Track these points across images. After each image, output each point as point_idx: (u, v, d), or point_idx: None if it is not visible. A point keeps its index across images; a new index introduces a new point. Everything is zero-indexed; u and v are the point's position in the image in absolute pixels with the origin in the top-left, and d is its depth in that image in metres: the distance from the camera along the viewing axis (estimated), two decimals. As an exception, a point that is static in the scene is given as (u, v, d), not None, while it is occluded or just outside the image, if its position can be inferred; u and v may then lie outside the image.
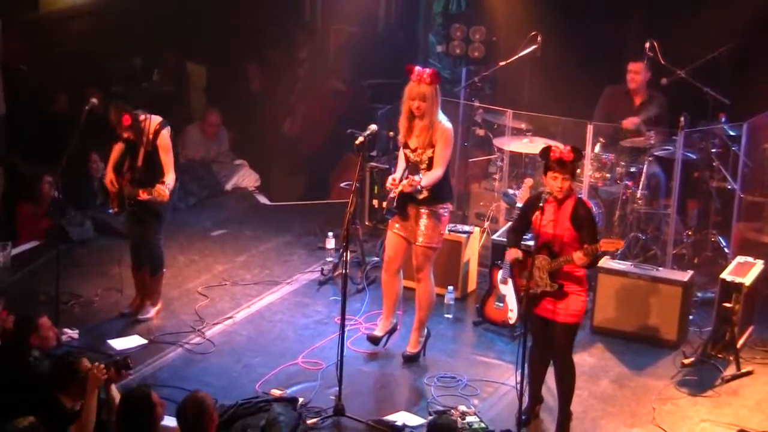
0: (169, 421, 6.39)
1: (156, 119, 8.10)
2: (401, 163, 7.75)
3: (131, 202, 8.10)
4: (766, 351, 8.28)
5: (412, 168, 7.61)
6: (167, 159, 8.05)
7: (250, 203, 11.66)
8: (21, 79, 11.14)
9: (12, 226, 9.80)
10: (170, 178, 8.01)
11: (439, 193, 7.59)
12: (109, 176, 8.21)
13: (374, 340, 7.95)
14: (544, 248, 6.70)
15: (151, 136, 8.04)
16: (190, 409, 5.65)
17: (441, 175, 7.51)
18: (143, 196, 7.93)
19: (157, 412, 5.72)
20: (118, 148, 8.22)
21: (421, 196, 7.53)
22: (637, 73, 9.68)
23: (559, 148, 6.67)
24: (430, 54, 12.87)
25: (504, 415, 7.18)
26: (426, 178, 7.47)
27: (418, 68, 7.49)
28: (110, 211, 8.47)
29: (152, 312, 8.45)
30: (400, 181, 7.48)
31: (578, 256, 6.56)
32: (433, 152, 7.50)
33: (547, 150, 6.70)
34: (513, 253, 6.91)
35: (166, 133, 8.07)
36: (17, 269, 9.21)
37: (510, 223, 8.67)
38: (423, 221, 7.63)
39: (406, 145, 7.66)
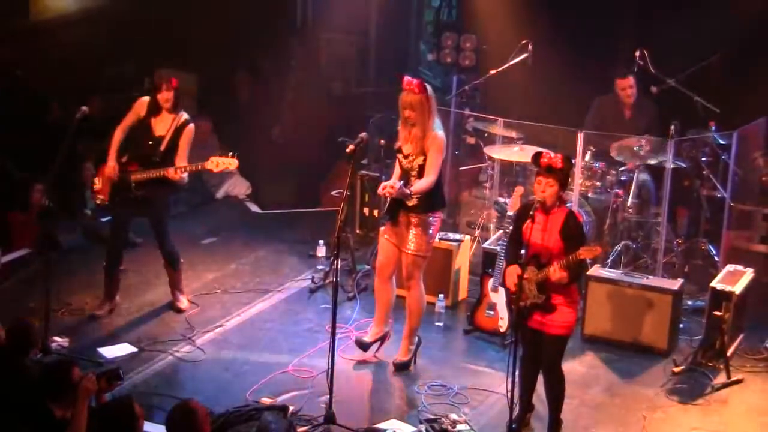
0: (159, 430, 6.39)
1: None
2: (396, 170, 7.77)
3: (135, 189, 8.21)
4: (755, 359, 8.30)
5: (404, 174, 7.64)
6: (186, 149, 8.30)
7: (241, 211, 11.67)
8: (13, 86, 11.12)
9: (2, 234, 9.78)
10: (183, 163, 8.27)
11: (430, 201, 7.60)
12: (112, 164, 8.23)
13: (362, 345, 7.94)
14: (533, 259, 6.70)
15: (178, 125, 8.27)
16: (178, 418, 5.60)
17: (432, 183, 7.52)
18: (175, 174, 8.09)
19: (139, 424, 5.66)
20: (118, 136, 8.28)
21: (411, 203, 7.54)
22: (631, 87, 9.71)
23: (550, 154, 6.69)
24: (421, 62, 12.89)
25: (495, 424, 7.18)
26: (416, 185, 7.48)
27: (407, 78, 7.53)
28: (97, 202, 8.49)
29: (186, 302, 8.72)
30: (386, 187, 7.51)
31: (553, 270, 6.54)
32: (424, 160, 7.52)
33: (538, 155, 6.72)
34: (513, 273, 6.75)
35: (192, 127, 8.35)
36: (7, 277, 9.19)
37: (500, 233, 8.70)
38: (412, 229, 7.64)
39: (400, 151, 7.68)
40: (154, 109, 8.25)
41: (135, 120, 8.31)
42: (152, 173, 8.19)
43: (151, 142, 8.23)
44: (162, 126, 8.25)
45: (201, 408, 5.63)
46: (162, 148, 8.22)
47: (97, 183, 8.42)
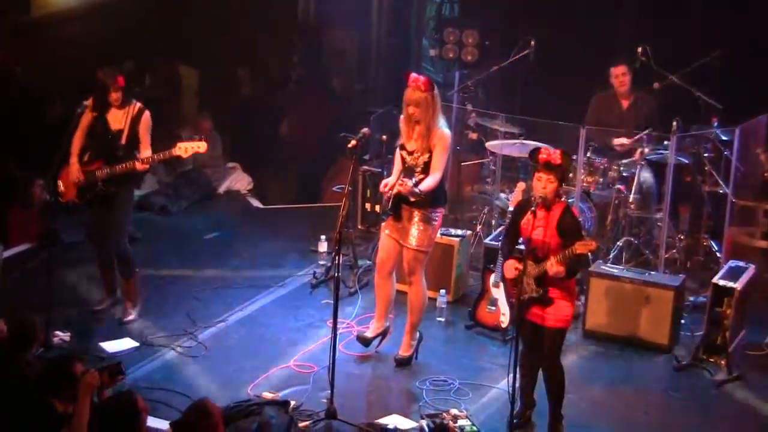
0: (161, 424, 6.40)
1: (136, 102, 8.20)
2: (397, 165, 7.76)
3: (103, 186, 8.09)
4: (757, 355, 8.30)
5: (407, 171, 7.63)
6: (147, 137, 8.10)
7: (243, 206, 11.68)
8: (14, 82, 11.11)
9: (3, 230, 9.76)
10: (148, 153, 8.08)
11: (432, 197, 7.59)
12: (76, 167, 8.16)
13: (364, 341, 7.95)
14: (530, 254, 6.70)
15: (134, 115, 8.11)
16: (193, 418, 5.56)
17: (439, 180, 7.52)
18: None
19: (142, 419, 5.66)
20: (80, 137, 8.18)
21: (413, 199, 7.53)
22: (624, 75, 9.69)
23: (549, 150, 6.67)
24: (423, 58, 12.88)
25: (496, 419, 7.17)
26: (424, 184, 7.47)
27: (413, 75, 7.52)
28: (64, 201, 8.37)
29: (134, 314, 8.44)
30: (395, 184, 7.50)
31: (550, 264, 6.55)
32: (429, 157, 7.51)
33: (535, 151, 6.70)
34: (510, 267, 6.78)
35: (148, 114, 8.14)
36: (8, 272, 9.18)
37: (502, 228, 8.70)
38: (415, 224, 7.63)
39: (403, 147, 7.67)
40: (105, 106, 8.11)
41: (91, 120, 8.17)
42: (119, 168, 8.04)
43: (110, 138, 8.09)
44: (117, 120, 8.10)
45: (216, 408, 5.62)
46: (122, 141, 8.07)
47: (61, 186, 8.30)
